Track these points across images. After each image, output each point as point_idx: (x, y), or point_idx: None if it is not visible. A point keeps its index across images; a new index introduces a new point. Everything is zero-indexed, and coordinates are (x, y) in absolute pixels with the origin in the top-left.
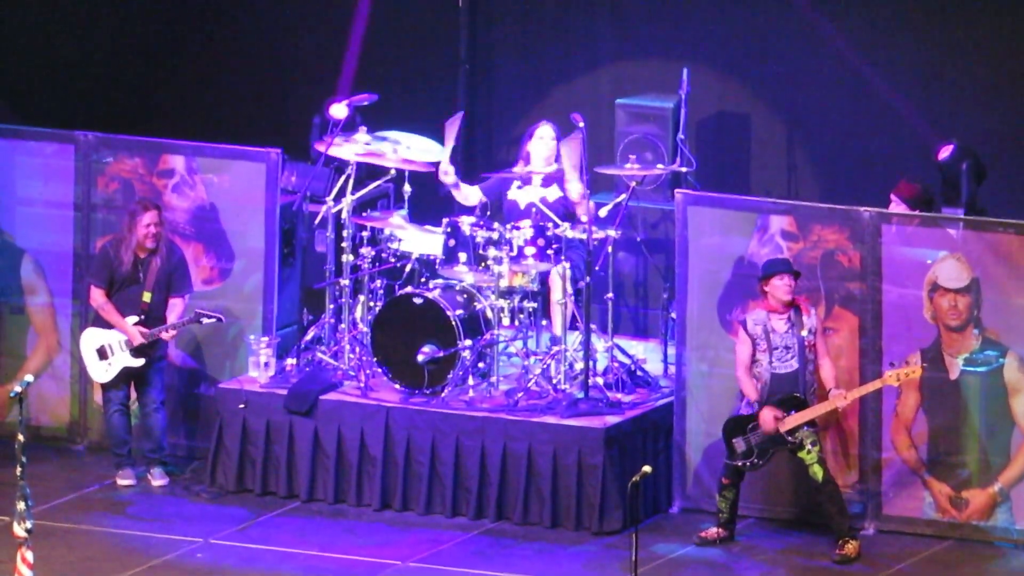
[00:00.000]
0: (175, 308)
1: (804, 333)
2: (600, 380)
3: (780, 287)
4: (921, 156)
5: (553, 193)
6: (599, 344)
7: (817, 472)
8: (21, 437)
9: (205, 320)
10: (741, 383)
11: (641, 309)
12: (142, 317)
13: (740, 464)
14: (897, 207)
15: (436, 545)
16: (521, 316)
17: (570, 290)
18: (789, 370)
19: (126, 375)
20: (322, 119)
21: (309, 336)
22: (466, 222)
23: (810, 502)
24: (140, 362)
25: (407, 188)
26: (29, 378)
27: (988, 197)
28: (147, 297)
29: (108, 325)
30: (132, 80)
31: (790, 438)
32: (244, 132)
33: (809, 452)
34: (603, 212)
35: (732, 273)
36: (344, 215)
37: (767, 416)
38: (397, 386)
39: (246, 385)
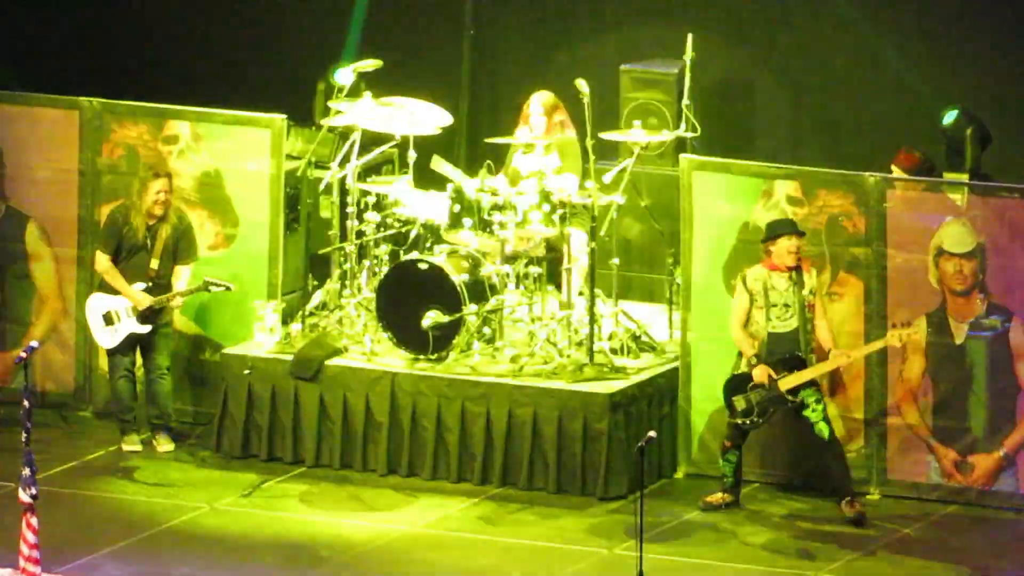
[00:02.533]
0: (181, 275)
1: (805, 292)
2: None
3: (786, 248)
4: (925, 121)
5: (555, 160)
6: (604, 309)
7: (823, 430)
8: (26, 403)
9: (214, 288)
10: (736, 339)
11: (646, 274)
12: (149, 284)
13: (740, 422)
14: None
15: (442, 510)
16: (526, 281)
17: (576, 255)
18: (788, 329)
19: (132, 341)
20: (327, 85)
21: (315, 302)
22: (471, 187)
23: (816, 462)
24: (146, 328)
25: (412, 154)
26: (34, 344)
27: (993, 162)
28: (154, 264)
29: (114, 291)
30: (137, 46)
31: (791, 397)
32: (249, 98)
33: (814, 410)
34: (608, 178)
35: (737, 239)
36: (349, 181)
37: (760, 371)
38: (402, 351)
39: (251, 351)
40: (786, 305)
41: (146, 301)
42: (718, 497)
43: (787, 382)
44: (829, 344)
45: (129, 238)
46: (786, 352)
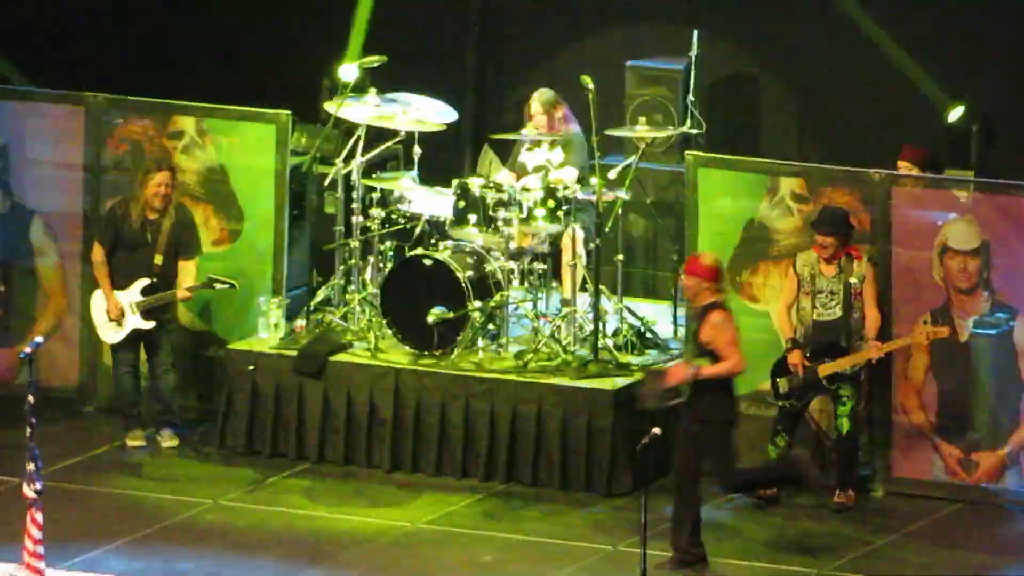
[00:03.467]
0: (185, 271)
1: (853, 280)
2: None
3: (818, 241)
4: (930, 118)
5: (558, 156)
6: (609, 305)
7: (844, 425)
8: (31, 398)
9: (218, 285)
10: (778, 320)
11: (651, 271)
12: (153, 280)
13: (781, 404)
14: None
15: (446, 507)
16: (531, 278)
17: (580, 252)
18: (832, 318)
19: (135, 336)
20: (332, 81)
21: (319, 297)
22: (476, 184)
23: (824, 452)
24: (149, 324)
25: (417, 150)
26: (39, 339)
27: (998, 159)
28: (158, 260)
29: (120, 287)
30: (142, 41)
31: (828, 385)
32: (254, 94)
33: (844, 404)
34: (613, 174)
35: (742, 235)
36: (354, 177)
37: (794, 358)
38: (407, 347)
39: (255, 347)
40: (832, 292)
41: (116, 307)
42: (760, 491)
43: (826, 368)
44: (871, 335)
45: (128, 232)
46: (827, 341)
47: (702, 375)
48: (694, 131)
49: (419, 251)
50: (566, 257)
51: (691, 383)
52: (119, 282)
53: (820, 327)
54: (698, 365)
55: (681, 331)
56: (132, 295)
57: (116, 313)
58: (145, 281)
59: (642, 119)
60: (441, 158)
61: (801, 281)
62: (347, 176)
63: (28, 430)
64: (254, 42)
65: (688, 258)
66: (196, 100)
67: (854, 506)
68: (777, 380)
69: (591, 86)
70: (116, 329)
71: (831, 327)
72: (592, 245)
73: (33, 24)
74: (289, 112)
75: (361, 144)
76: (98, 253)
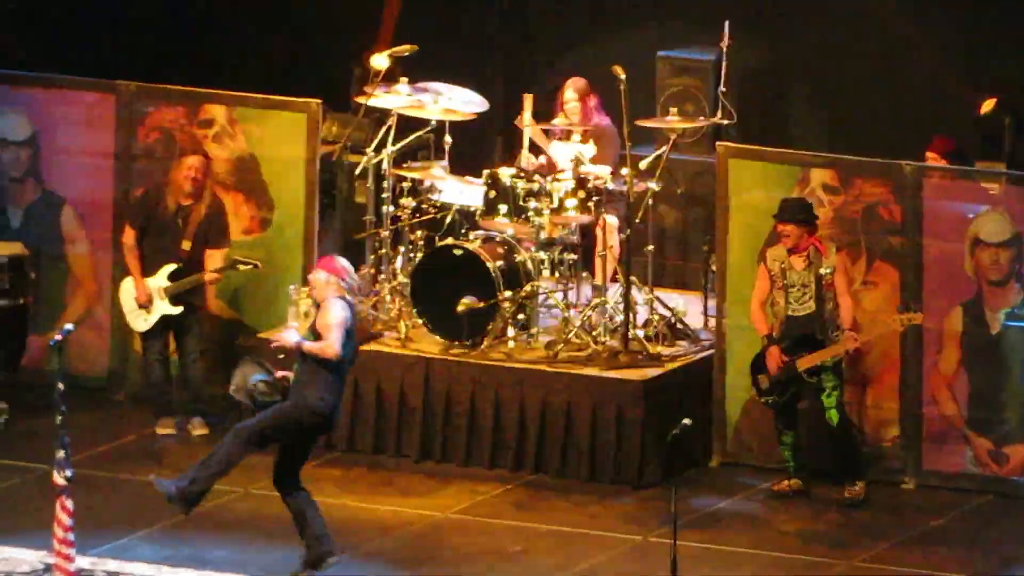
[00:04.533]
0: (212, 260)
1: (823, 271)
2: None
3: (780, 231)
4: (961, 110)
5: (590, 150)
6: (639, 296)
7: (833, 417)
8: (60, 386)
9: (242, 266)
10: (753, 317)
11: (682, 262)
12: (180, 265)
13: (764, 400)
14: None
15: (475, 496)
16: (561, 268)
17: (611, 242)
18: (806, 312)
19: (165, 324)
20: (363, 70)
21: None
22: (506, 174)
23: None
24: (178, 309)
25: (447, 139)
26: (69, 327)
27: None
28: (186, 245)
29: (148, 272)
30: (173, 30)
31: (808, 378)
32: (284, 82)
33: (829, 395)
34: (643, 165)
35: (772, 227)
36: (384, 166)
37: (772, 356)
38: (437, 337)
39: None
40: (803, 286)
41: (145, 293)
42: (784, 485)
43: (804, 362)
44: (847, 324)
45: (159, 216)
46: (802, 335)
47: (303, 348)
48: (725, 122)
49: (449, 241)
50: (598, 247)
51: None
52: (149, 267)
53: (794, 321)
54: (300, 340)
55: (712, 322)
56: (159, 280)
57: (145, 299)
58: (172, 266)
59: (673, 109)
60: (471, 148)
61: (772, 276)
62: (377, 165)
63: (58, 418)
64: (285, 31)
65: (321, 257)
66: (227, 89)
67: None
68: (758, 377)
69: (623, 76)
70: (145, 316)
71: (805, 321)
72: (623, 235)
73: (65, 11)
74: (320, 101)
75: (392, 133)
76: (129, 236)
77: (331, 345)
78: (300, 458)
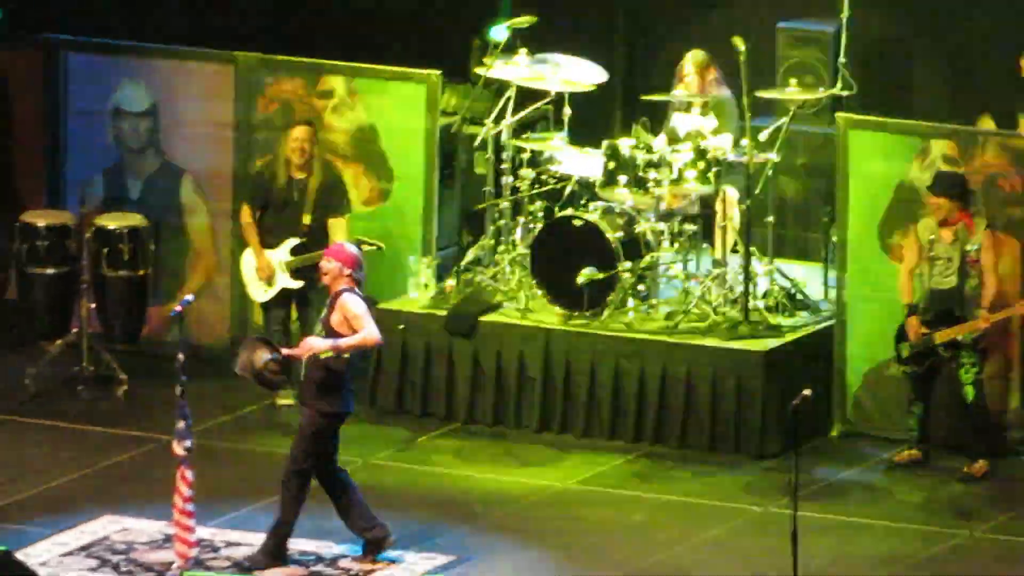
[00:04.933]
0: (336, 229)
1: (969, 247)
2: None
3: (933, 203)
4: None
5: (711, 122)
6: (759, 267)
7: (968, 393)
8: (181, 356)
9: (366, 247)
10: (900, 285)
11: (802, 233)
12: (303, 240)
13: (903, 369)
14: None
15: (595, 467)
16: (680, 239)
17: (731, 213)
18: (948, 286)
19: (286, 295)
20: (482, 41)
21: (469, 257)
22: (626, 145)
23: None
24: (298, 284)
25: (567, 110)
26: (189, 297)
27: None
28: (306, 219)
29: (269, 246)
30: (292, 1)
31: (944, 352)
32: (404, 54)
33: (967, 372)
34: (763, 136)
35: (892, 198)
36: (504, 137)
37: (910, 325)
38: (557, 308)
39: (406, 307)
40: (948, 259)
41: (267, 267)
42: (905, 455)
43: (941, 335)
44: (985, 303)
45: (275, 192)
46: (941, 309)
47: (341, 347)
48: (845, 93)
49: (569, 212)
50: (718, 218)
51: (306, 371)
52: (269, 241)
53: (937, 294)
54: (335, 340)
55: (832, 293)
56: (282, 254)
57: (266, 272)
58: (294, 241)
59: (793, 81)
60: (591, 119)
61: (921, 247)
62: (497, 136)
63: (178, 389)
64: (405, 1)
65: (333, 245)
66: (346, 60)
67: (996, 469)
68: (899, 345)
69: (742, 48)
70: (265, 288)
71: (947, 295)
72: (743, 206)
73: None
74: (439, 72)
75: (511, 104)
76: (246, 214)
77: (370, 333)
78: (333, 451)
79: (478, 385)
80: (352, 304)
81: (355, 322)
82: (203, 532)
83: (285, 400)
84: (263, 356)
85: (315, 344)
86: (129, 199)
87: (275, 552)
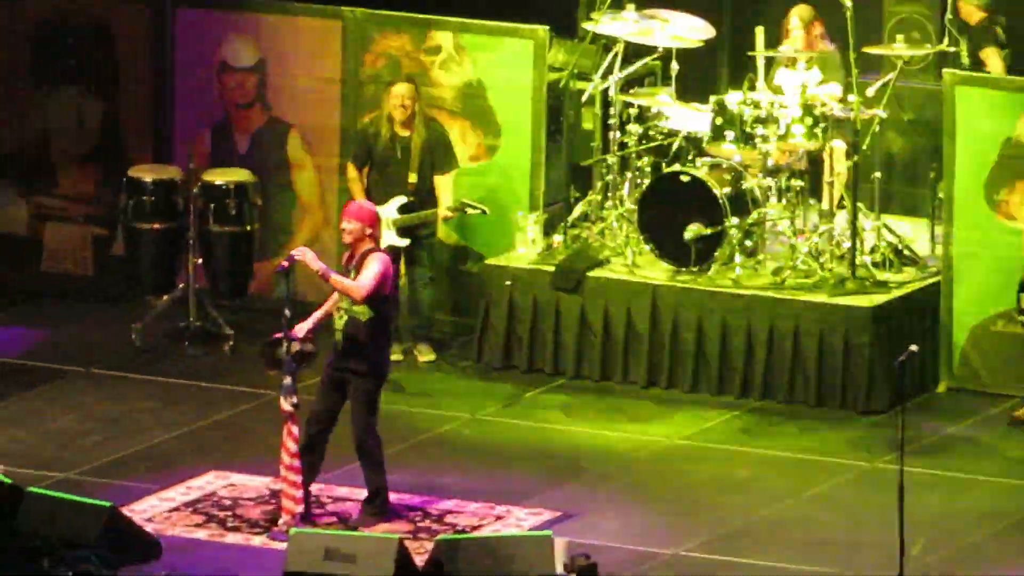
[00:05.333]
0: (442, 186)
1: None
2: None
3: None
4: None
5: (816, 75)
6: (866, 223)
7: None
8: (287, 312)
9: (470, 210)
10: None
11: (909, 189)
12: (411, 199)
13: (1021, 321)
14: None
15: (702, 423)
16: (788, 195)
17: (838, 169)
18: None
19: (395, 252)
20: None
21: (576, 213)
22: (733, 100)
23: None
24: (405, 242)
25: (674, 66)
26: (296, 253)
27: None
28: (412, 178)
29: (378, 203)
30: None
31: None
32: (511, 9)
33: None
34: (870, 92)
35: (999, 154)
36: (611, 93)
37: None
38: (664, 263)
39: (513, 262)
40: None
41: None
42: (1021, 412)
43: None
44: None
45: (379, 150)
46: None
47: (328, 278)
48: (952, 49)
49: (676, 167)
50: (825, 174)
51: (345, 335)
52: (376, 199)
53: None
54: (327, 268)
55: (939, 248)
56: (389, 212)
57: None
58: (402, 199)
59: (900, 37)
60: (698, 74)
61: None
62: (604, 92)
63: (284, 344)
64: None
65: (349, 203)
66: (454, 15)
67: None
68: (1020, 295)
69: (848, 3)
70: None
71: None
72: (850, 162)
73: None
74: (547, 27)
75: (619, 60)
76: (350, 171)
77: (361, 286)
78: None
79: (585, 341)
80: (376, 263)
81: (364, 274)
82: (311, 488)
83: (394, 355)
84: (281, 351)
85: (309, 256)
86: (236, 154)
87: (380, 511)
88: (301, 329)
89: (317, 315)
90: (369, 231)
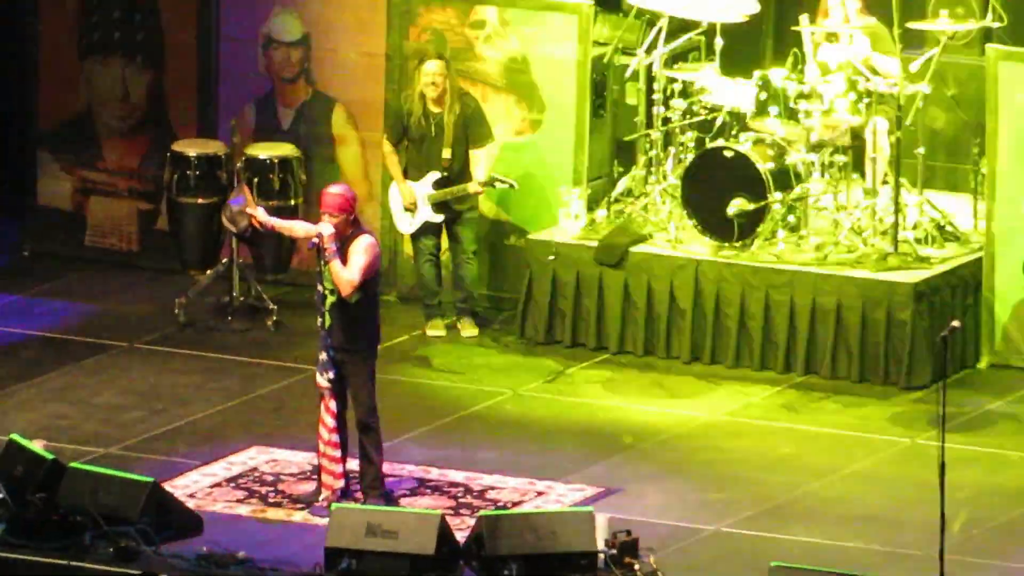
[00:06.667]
0: (478, 161)
1: None
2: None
3: None
4: None
5: (862, 48)
6: (909, 198)
7: None
8: (320, 288)
9: (499, 184)
10: None
11: (951, 164)
12: (445, 174)
13: None
14: None
15: (744, 398)
16: (831, 170)
17: (881, 144)
18: None
19: (438, 225)
20: None
21: (620, 188)
22: (777, 76)
23: None
24: (439, 218)
25: (719, 41)
26: (322, 227)
27: None
28: (446, 153)
29: (413, 178)
30: None
31: None
32: None
33: None
34: (914, 67)
35: None
36: (655, 68)
37: None
38: (707, 239)
39: (556, 237)
40: None
41: (409, 197)
42: None
43: None
44: None
45: (412, 126)
46: None
47: (278, 226)
48: (995, 25)
49: (720, 142)
50: (868, 149)
51: (333, 315)
52: (412, 174)
53: None
54: (335, 253)
55: (981, 224)
56: (424, 187)
57: (410, 202)
58: (436, 175)
59: (943, 12)
60: (742, 50)
61: None
62: (648, 67)
63: (319, 319)
64: None
65: (324, 193)
66: None
67: None
68: None
69: None
70: (410, 220)
71: None
72: (893, 138)
73: None
74: (591, 2)
75: (663, 35)
76: (385, 145)
77: (350, 282)
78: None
79: (628, 316)
80: (361, 254)
81: (351, 268)
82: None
83: (435, 331)
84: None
85: (327, 234)
86: (280, 128)
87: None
88: (265, 216)
89: (284, 224)
90: (352, 216)
